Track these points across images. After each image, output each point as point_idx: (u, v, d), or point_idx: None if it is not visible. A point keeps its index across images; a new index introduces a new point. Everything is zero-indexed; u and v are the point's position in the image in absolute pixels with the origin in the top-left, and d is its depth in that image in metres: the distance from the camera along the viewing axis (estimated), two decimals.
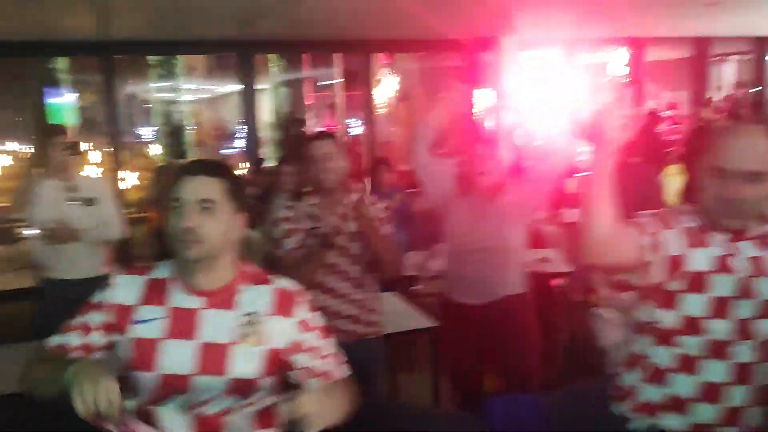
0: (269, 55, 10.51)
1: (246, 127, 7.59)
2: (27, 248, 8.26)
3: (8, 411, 2.82)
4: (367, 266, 2.71)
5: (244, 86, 7.43)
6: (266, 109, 10.76)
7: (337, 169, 2.64)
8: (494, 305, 2.88)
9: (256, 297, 1.56)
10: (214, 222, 1.48)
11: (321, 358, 1.59)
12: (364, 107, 8.06)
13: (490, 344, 2.93)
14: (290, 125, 10.64)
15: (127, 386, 1.50)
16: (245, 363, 1.51)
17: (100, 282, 3.68)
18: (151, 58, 10.52)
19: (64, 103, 10.81)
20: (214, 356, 1.49)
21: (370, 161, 7.04)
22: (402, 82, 10.38)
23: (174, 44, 7.42)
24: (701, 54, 9.25)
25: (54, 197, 3.51)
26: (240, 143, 14.19)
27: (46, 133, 3.62)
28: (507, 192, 2.89)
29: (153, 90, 10.84)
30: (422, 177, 3.04)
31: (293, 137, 10.34)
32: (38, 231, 3.57)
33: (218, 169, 1.55)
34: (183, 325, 1.51)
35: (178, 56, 10.36)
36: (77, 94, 11.31)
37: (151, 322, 1.51)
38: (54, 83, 10.67)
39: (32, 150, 11.36)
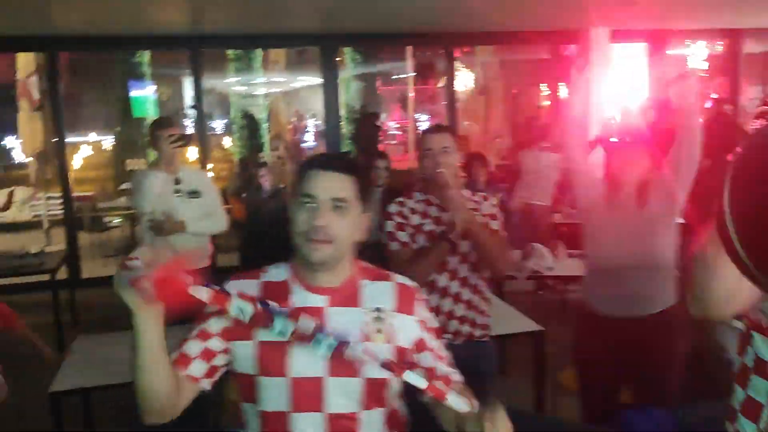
0: (340, 49, 10.51)
1: (327, 120, 7.58)
2: (116, 236, 8.55)
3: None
4: (477, 266, 2.61)
5: (325, 79, 7.42)
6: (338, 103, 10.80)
7: (453, 164, 2.54)
8: (645, 322, 2.64)
9: (379, 293, 1.50)
10: (344, 222, 1.41)
11: (440, 359, 1.53)
12: (446, 100, 7.94)
13: (633, 360, 2.68)
14: (364, 119, 10.60)
15: (253, 394, 1.45)
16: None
17: (203, 274, 3.74)
18: (231, 51, 10.68)
19: (146, 96, 11.10)
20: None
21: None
22: (480, 76, 10.23)
23: (259, 37, 7.47)
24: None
25: (162, 189, 3.55)
26: (310, 136, 14.36)
27: (155, 126, 3.67)
28: (656, 193, 2.65)
29: (231, 83, 11.00)
30: (574, 179, 2.87)
31: (368, 131, 10.29)
32: (145, 222, 3.64)
33: (351, 165, 1.48)
34: None
35: (257, 49, 10.48)
36: (156, 87, 11.61)
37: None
38: (137, 77, 10.96)
39: (116, 141, 11.74)
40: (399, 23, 7.01)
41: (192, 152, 7.63)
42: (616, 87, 7.22)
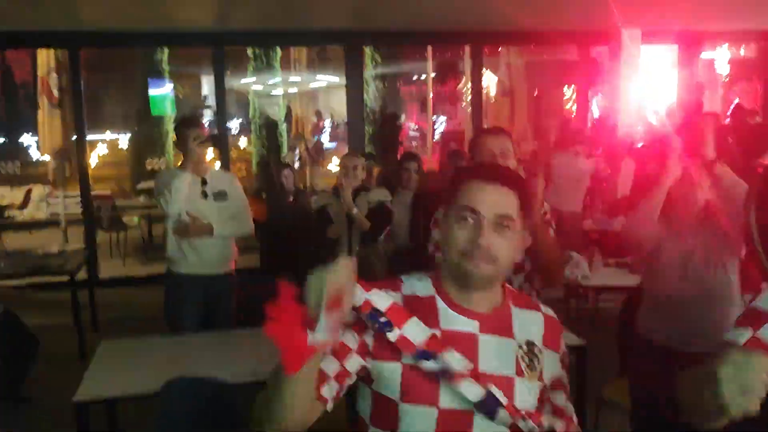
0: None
1: (350, 120, 7.44)
2: (133, 236, 8.44)
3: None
4: (531, 275, 2.45)
5: (350, 79, 7.29)
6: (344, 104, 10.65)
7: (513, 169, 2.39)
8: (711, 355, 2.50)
9: (530, 324, 1.36)
10: (507, 241, 1.27)
11: (569, 399, 1.43)
12: (473, 101, 7.77)
13: None
14: (386, 120, 10.47)
15: (392, 421, 1.29)
16: (527, 400, 1.30)
17: (227, 279, 3.63)
18: (250, 50, 10.58)
19: (165, 94, 11.02)
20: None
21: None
22: (505, 77, 10.05)
23: (284, 35, 7.35)
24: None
25: (189, 190, 3.43)
26: (331, 137, 14.27)
27: (182, 125, 3.54)
28: (714, 209, 2.49)
29: (250, 82, 10.89)
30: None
31: (389, 132, 10.18)
32: (170, 224, 3.52)
33: (516, 179, 1.32)
34: (460, 351, 1.26)
35: (276, 48, 10.38)
36: (173, 85, 11.54)
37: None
38: (155, 74, 10.88)
39: (133, 139, 11.69)
40: (426, 22, 6.88)
41: (209, 152, 7.51)
42: (646, 89, 7.08)
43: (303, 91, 12.18)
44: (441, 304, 1.32)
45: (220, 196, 3.57)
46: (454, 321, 1.30)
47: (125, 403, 2.97)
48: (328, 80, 11.67)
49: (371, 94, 11.06)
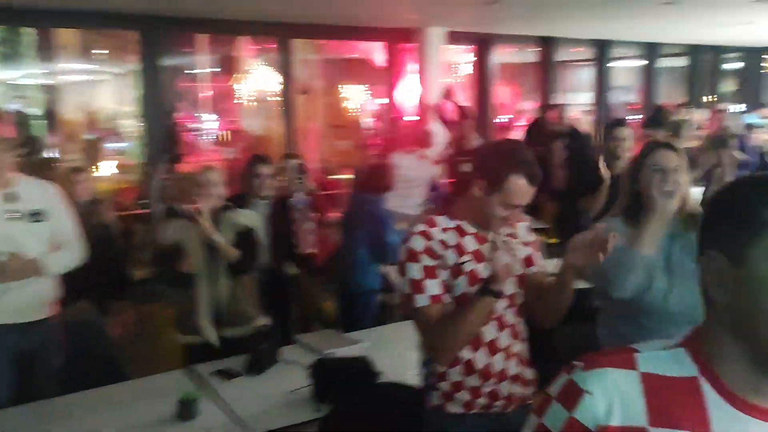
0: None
1: (146, 115, 6.49)
2: None
3: None
4: (521, 310, 2.02)
5: (145, 69, 6.38)
6: (123, 98, 9.40)
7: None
8: None
9: None
10: None
11: None
12: (286, 98, 7.28)
13: None
14: (169, 117, 9.37)
15: None
16: None
17: (47, 326, 2.73)
18: None
19: None
20: None
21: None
22: (300, 74, 9.58)
23: (65, 14, 6.18)
24: (546, 56, 9.03)
25: None
26: (114, 137, 12.52)
27: None
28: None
29: None
30: None
31: (171, 132, 9.11)
32: None
33: None
34: None
35: (30, 30, 8.80)
36: None
37: None
38: None
39: None
40: (226, 7, 6.19)
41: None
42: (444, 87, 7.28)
43: (67, 83, 10.44)
44: (710, 392, 0.85)
45: (37, 215, 2.65)
46: (736, 423, 0.83)
47: None
48: (98, 70, 10.21)
49: (142, 88, 9.87)
